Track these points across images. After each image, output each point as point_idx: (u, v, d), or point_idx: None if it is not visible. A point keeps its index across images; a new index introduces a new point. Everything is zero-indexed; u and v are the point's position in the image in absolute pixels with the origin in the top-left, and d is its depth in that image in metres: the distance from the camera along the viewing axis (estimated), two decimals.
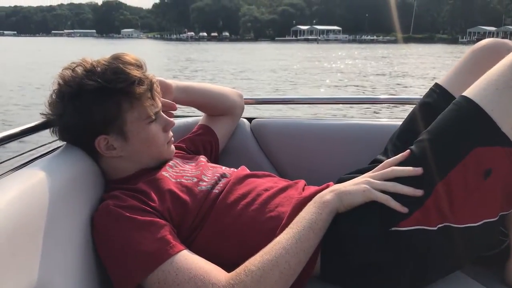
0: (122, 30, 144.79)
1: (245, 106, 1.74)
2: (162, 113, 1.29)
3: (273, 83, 16.19)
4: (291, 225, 1.08)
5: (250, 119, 1.81)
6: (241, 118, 1.76)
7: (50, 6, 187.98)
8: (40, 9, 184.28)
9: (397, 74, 20.18)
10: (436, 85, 1.42)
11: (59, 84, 1.19)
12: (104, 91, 1.15)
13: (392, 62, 28.86)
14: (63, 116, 1.18)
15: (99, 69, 1.17)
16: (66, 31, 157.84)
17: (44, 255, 0.90)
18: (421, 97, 1.45)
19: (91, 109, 1.16)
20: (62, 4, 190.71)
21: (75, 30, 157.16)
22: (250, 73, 18.57)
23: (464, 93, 1.12)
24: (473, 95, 1.09)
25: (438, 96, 1.39)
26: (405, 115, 1.47)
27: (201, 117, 1.68)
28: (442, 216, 1.05)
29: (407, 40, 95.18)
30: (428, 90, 1.45)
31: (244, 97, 1.73)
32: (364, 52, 43.30)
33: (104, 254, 1.08)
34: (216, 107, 1.63)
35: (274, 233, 1.11)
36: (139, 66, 1.22)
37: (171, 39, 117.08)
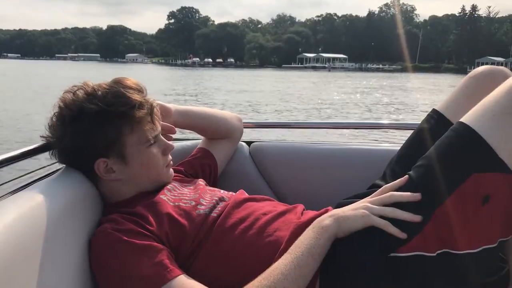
0: (127, 55, 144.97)
1: (244, 129, 1.76)
2: (161, 137, 1.30)
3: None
4: (289, 250, 1.08)
5: (249, 143, 1.82)
6: (240, 142, 1.77)
7: (55, 30, 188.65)
8: (45, 32, 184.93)
9: None
10: (434, 111, 1.44)
11: (59, 107, 1.20)
12: (105, 114, 1.16)
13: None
14: (63, 138, 1.19)
15: (100, 92, 1.19)
16: (69, 54, 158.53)
17: (41, 279, 0.90)
18: (419, 122, 1.47)
19: (91, 132, 1.17)
20: (66, 28, 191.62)
21: (79, 54, 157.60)
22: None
23: (462, 119, 1.14)
24: (471, 121, 1.11)
25: (436, 121, 1.41)
26: (404, 139, 1.49)
27: (200, 140, 1.69)
28: (441, 242, 1.05)
29: (413, 69, 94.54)
30: (426, 115, 1.46)
31: (243, 120, 1.75)
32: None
33: (101, 278, 1.08)
34: (215, 130, 1.65)
35: (272, 258, 1.11)
36: (140, 90, 1.24)
37: (176, 64, 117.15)
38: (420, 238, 1.05)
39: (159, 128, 1.29)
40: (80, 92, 1.20)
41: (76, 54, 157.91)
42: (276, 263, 1.06)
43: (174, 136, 1.46)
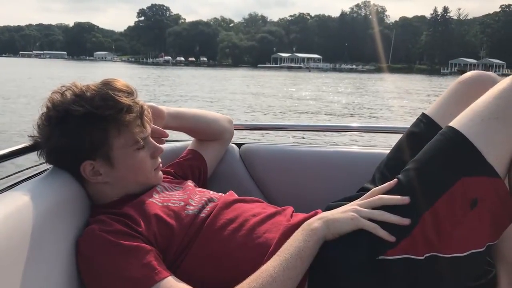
0: (95, 53, 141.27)
1: (235, 131, 1.77)
2: (150, 139, 1.29)
3: None
4: (278, 253, 1.09)
5: (239, 145, 1.83)
6: (230, 144, 1.79)
7: (18, 26, 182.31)
8: (7, 28, 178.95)
9: None
10: (423, 115, 1.46)
11: (47, 107, 1.20)
12: (91, 117, 1.16)
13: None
14: (50, 139, 1.19)
15: (88, 94, 1.18)
16: (35, 52, 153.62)
17: (27, 280, 0.89)
18: (409, 126, 1.49)
19: (77, 134, 1.17)
20: (30, 25, 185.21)
21: (45, 52, 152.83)
22: None
23: (451, 124, 1.16)
24: (459, 125, 1.13)
25: (425, 126, 1.43)
26: (393, 143, 1.51)
27: (190, 142, 1.70)
28: (429, 245, 1.06)
29: (386, 70, 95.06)
30: (415, 119, 1.48)
31: (233, 122, 1.76)
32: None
33: (88, 280, 1.08)
34: (206, 132, 1.65)
35: (261, 259, 1.11)
36: (129, 92, 1.22)
37: (146, 63, 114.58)
38: (409, 241, 1.06)
39: (149, 131, 1.28)
40: (68, 93, 1.19)
41: (41, 52, 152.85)
42: (265, 265, 1.06)
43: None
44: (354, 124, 2.23)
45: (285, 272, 1.03)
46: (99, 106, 1.16)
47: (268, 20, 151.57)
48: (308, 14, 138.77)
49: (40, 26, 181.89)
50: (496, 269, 1.22)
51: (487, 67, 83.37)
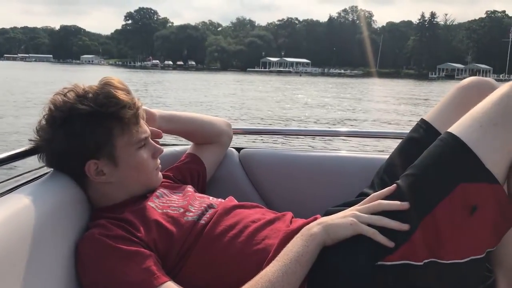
0: (82, 56, 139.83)
1: (234, 136, 1.76)
2: (151, 140, 1.32)
3: None
4: (277, 258, 1.09)
5: (238, 149, 1.83)
6: (229, 148, 1.78)
7: (3, 28, 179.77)
8: None
9: None
10: (422, 120, 1.47)
11: (50, 109, 1.20)
12: (96, 115, 1.17)
13: None
14: (53, 141, 1.19)
15: (90, 94, 1.19)
16: (20, 55, 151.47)
17: (25, 284, 0.89)
18: (408, 132, 1.51)
19: (82, 133, 1.17)
20: (15, 27, 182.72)
21: (30, 55, 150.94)
22: None
23: (450, 129, 1.17)
24: (458, 131, 1.13)
25: (424, 131, 1.43)
26: (392, 148, 1.51)
27: (189, 146, 1.70)
28: (429, 251, 1.06)
29: (374, 74, 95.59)
30: (414, 125, 1.50)
31: (232, 127, 1.75)
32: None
33: (88, 284, 1.08)
34: (202, 135, 1.65)
35: (260, 265, 1.11)
36: (127, 91, 1.24)
37: (134, 67, 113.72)
38: (408, 246, 1.06)
39: (148, 131, 1.30)
40: (71, 94, 1.20)
41: (27, 55, 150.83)
42: (264, 270, 1.06)
43: (163, 141, 1.47)
44: (354, 130, 2.36)
45: (284, 277, 1.04)
46: (103, 104, 1.17)
47: (256, 24, 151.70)
48: (296, 19, 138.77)
49: (25, 29, 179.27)
50: (494, 274, 1.22)
51: (474, 72, 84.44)
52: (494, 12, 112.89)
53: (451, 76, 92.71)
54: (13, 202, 0.99)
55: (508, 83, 1.16)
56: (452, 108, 1.40)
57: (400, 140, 1.51)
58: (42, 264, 0.96)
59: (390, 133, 2.06)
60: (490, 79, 1.42)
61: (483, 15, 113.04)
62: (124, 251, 1.07)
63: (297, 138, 7.74)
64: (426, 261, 1.05)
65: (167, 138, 1.57)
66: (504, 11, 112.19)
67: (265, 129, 2.05)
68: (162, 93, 26.87)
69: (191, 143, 1.69)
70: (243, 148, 1.83)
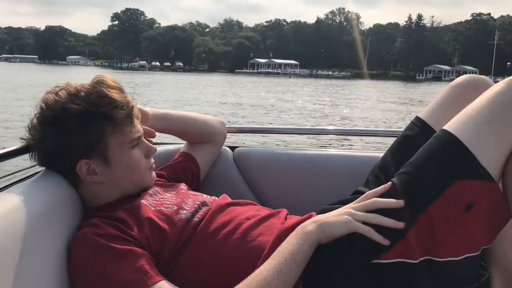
0: (68, 57, 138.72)
1: (228, 134, 1.75)
2: (144, 139, 1.30)
3: None
4: (272, 256, 1.08)
5: (233, 148, 1.82)
6: (223, 147, 1.77)
7: None
8: None
9: None
10: (417, 118, 1.47)
11: (41, 108, 1.18)
12: (88, 114, 1.15)
13: None
14: (44, 140, 1.17)
15: (82, 93, 1.17)
16: (4, 55, 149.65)
17: (17, 284, 0.88)
18: (403, 129, 1.50)
19: (74, 132, 1.16)
20: None
21: (15, 55, 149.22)
22: None
23: (445, 127, 1.16)
24: (453, 129, 1.13)
25: (419, 129, 1.43)
26: (387, 146, 1.51)
27: (183, 144, 1.68)
28: (424, 249, 1.06)
29: (363, 76, 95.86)
30: (409, 123, 1.50)
31: (226, 125, 1.74)
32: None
33: (81, 284, 1.07)
34: (195, 134, 1.64)
35: (255, 263, 1.11)
36: (121, 90, 1.22)
37: (121, 68, 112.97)
38: (403, 244, 1.06)
39: (141, 130, 1.28)
40: (63, 93, 1.18)
41: (11, 55, 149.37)
42: (259, 269, 1.05)
43: (157, 140, 1.45)
44: (349, 128, 2.33)
45: (279, 276, 1.03)
46: (95, 103, 1.16)
47: (244, 25, 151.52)
48: (284, 20, 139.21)
49: (9, 29, 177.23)
50: (489, 272, 1.22)
51: (460, 74, 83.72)
52: (480, 14, 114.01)
53: (438, 77, 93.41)
54: (5, 201, 0.98)
55: (502, 81, 1.16)
56: (447, 106, 1.41)
57: (394, 138, 1.51)
58: (33, 264, 0.95)
59: (383, 131, 2.05)
60: (484, 77, 1.42)
61: (469, 18, 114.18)
62: (117, 250, 1.06)
63: (292, 136, 7.63)
64: (421, 259, 1.05)
65: (160, 137, 1.55)
66: (489, 14, 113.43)
67: (259, 128, 2.01)
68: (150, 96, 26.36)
69: (184, 142, 1.68)
70: (237, 146, 1.83)
